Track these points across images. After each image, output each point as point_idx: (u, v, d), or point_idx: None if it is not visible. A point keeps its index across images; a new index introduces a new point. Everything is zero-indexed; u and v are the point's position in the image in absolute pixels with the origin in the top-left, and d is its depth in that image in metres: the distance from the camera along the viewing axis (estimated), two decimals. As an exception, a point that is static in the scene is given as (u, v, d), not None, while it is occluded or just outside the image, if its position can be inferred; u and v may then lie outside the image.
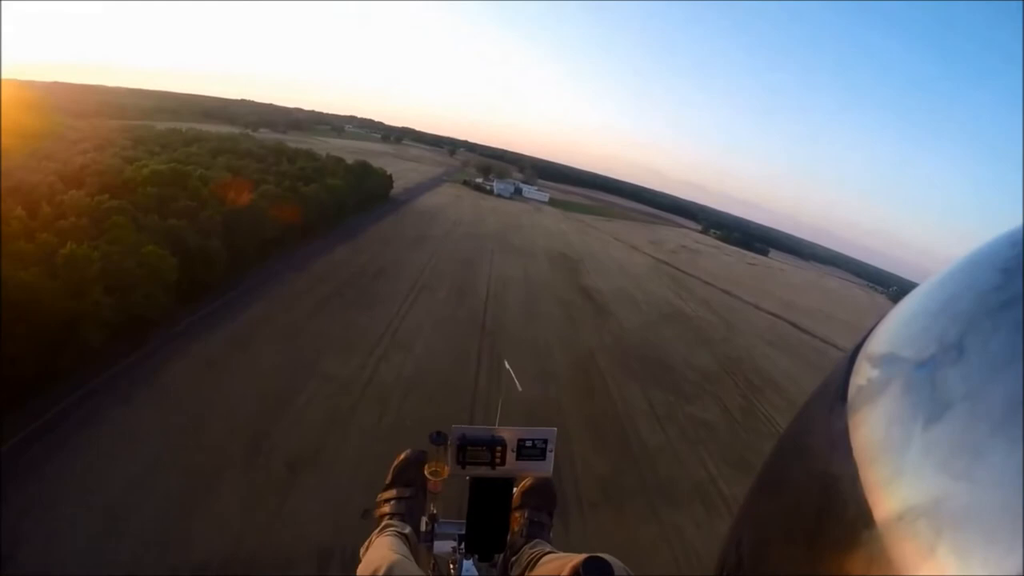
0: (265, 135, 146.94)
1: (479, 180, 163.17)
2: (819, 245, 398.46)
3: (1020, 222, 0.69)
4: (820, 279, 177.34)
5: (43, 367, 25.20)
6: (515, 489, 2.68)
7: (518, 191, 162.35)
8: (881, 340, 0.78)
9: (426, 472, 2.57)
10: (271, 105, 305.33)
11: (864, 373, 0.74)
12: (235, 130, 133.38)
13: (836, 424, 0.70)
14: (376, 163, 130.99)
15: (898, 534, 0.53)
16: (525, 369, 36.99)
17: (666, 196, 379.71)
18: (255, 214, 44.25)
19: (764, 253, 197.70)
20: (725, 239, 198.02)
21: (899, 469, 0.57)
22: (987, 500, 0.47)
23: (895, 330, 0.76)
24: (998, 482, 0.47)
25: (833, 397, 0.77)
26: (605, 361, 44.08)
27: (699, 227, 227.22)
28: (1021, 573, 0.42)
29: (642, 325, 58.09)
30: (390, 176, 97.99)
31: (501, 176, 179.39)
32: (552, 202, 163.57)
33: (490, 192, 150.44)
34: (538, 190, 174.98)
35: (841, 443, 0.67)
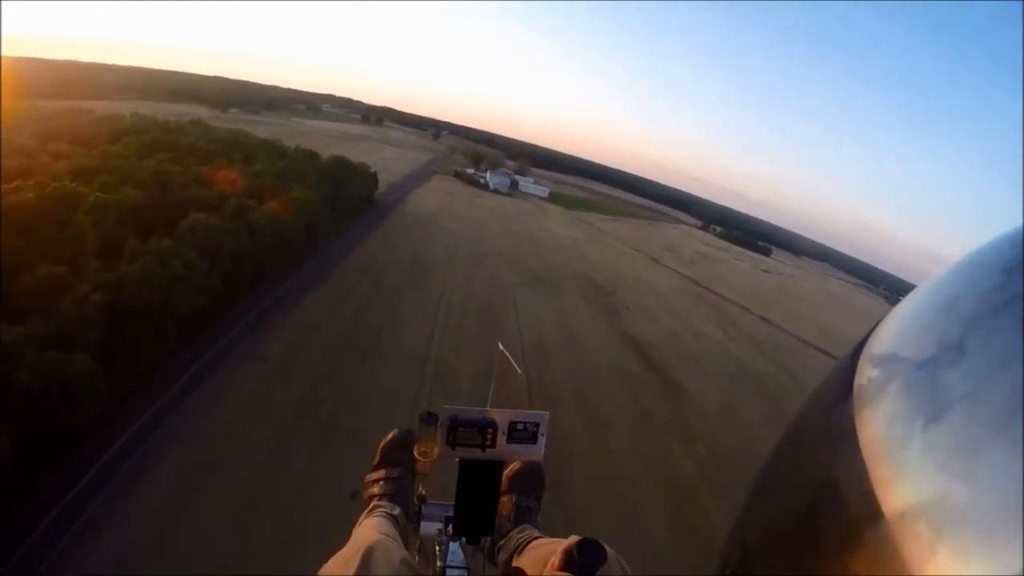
0: (234, 116, 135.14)
1: (471, 171, 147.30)
2: (802, 236, 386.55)
3: (1020, 222, 0.70)
4: (827, 285, 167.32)
5: None
6: (504, 473, 2.61)
7: (514, 184, 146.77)
8: (882, 340, 0.78)
9: (415, 453, 2.38)
10: (246, 83, 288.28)
11: (865, 373, 0.74)
12: (203, 111, 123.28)
13: (836, 423, 0.70)
14: (356, 148, 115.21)
15: (898, 534, 0.53)
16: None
17: (654, 184, 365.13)
18: (169, 280, 26.83)
19: (767, 253, 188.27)
20: (728, 238, 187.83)
21: (899, 469, 0.57)
22: (987, 500, 0.48)
23: (896, 330, 0.76)
24: (998, 482, 0.47)
25: (833, 397, 0.77)
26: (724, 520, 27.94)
27: (698, 223, 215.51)
28: (1021, 573, 0.43)
29: (723, 408, 43.46)
30: (374, 174, 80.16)
31: (494, 166, 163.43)
32: (551, 197, 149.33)
33: (485, 186, 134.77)
34: (535, 183, 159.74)
35: (841, 442, 0.66)
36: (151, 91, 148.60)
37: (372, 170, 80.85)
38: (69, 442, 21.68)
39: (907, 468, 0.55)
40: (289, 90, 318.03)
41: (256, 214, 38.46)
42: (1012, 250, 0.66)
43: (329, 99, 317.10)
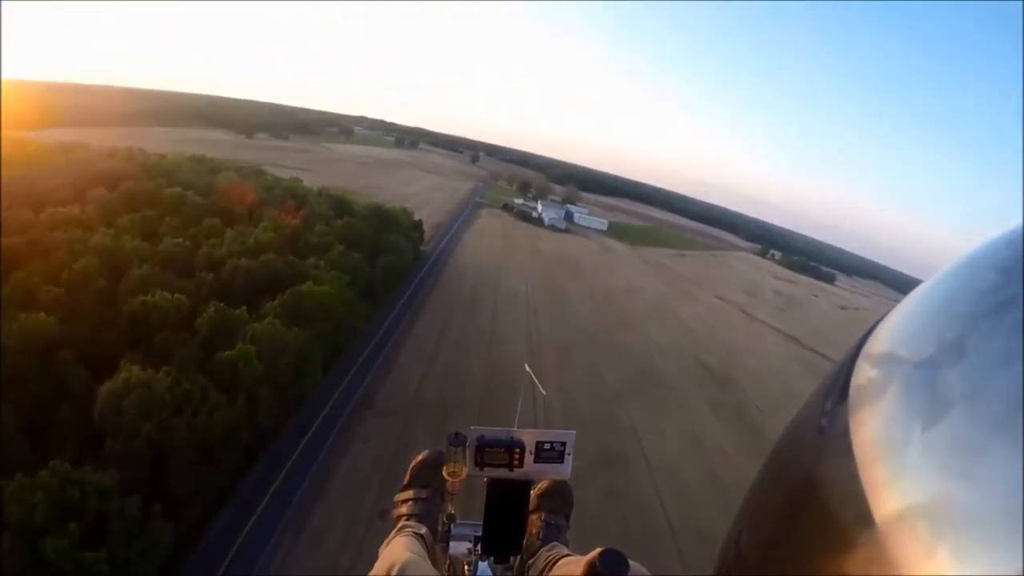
0: (261, 142, 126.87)
1: (520, 202, 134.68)
2: (844, 250, 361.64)
3: (1019, 222, 0.69)
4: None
5: None
6: (532, 491, 2.61)
7: (569, 217, 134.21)
8: (880, 340, 0.77)
9: (444, 473, 2.40)
10: (276, 106, 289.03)
11: (863, 373, 0.73)
12: (227, 136, 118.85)
13: (835, 424, 0.69)
14: (393, 178, 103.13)
15: (897, 535, 0.52)
16: None
17: (694, 202, 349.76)
18: None
19: (832, 280, 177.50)
20: (790, 265, 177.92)
21: (898, 469, 0.56)
22: (987, 501, 0.47)
23: (894, 330, 0.76)
24: (998, 482, 0.47)
25: (833, 397, 0.76)
26: None
27: (754, 247, 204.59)
28: (1021, 574, 0.42)
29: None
30: (419, 223, 64.51)
31: (542, 194, 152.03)
32: (610, 229, 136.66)
33: (538, 221, 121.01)
34: (590, 214, 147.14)
35: (840, 443, 0.65)
36: (173, 116, 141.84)
37: (415, 216, 65.36)
38: None
39: (906, 469, 0.55)
40: (320, 112, 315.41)
41: (240, 352, 22.28)
42: (1010, 250, 0.66)
43: (361, 121, 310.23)
